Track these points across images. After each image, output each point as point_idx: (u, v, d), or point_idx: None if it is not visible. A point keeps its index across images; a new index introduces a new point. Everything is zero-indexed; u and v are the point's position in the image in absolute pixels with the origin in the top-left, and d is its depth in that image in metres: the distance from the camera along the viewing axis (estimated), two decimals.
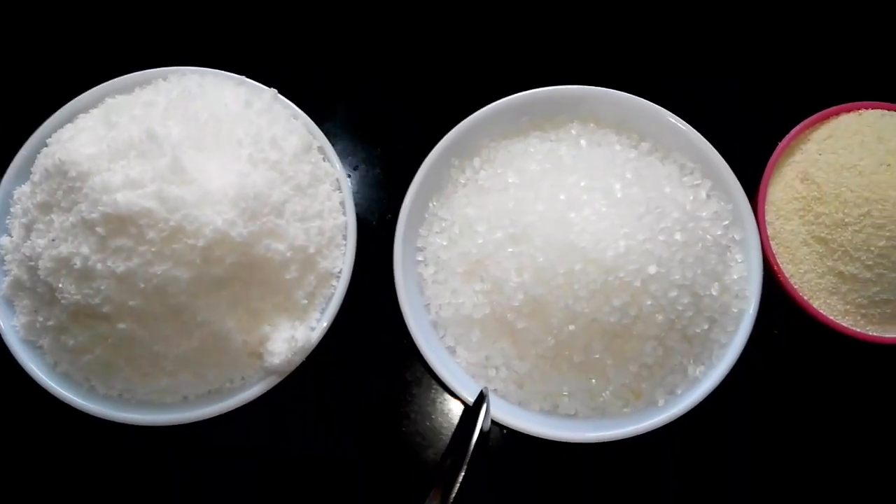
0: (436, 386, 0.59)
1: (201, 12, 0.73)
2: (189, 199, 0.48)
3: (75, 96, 0.59)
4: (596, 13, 0.73)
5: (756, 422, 0.60)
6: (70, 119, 0.58)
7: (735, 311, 0.55)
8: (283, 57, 0.72)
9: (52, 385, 0.54)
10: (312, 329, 0.54)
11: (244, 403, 0.53)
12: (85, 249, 0.48)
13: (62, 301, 0.50)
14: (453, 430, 0.59)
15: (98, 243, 0.48)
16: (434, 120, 0.62)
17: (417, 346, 0.54)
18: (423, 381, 0.59)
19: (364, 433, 0.59)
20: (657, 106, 0.59)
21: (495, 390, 0.56)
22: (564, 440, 0.53)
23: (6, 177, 0.57)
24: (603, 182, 0.54)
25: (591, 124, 0.61)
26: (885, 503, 0.59)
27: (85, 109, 0.58)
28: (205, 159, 0.51)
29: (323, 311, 0.55)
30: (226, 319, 0.51)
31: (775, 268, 0.59)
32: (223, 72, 0.59)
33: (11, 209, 0.57)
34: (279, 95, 0.59)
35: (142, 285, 0.48)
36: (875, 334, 0.59)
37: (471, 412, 0.49)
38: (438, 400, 0.60)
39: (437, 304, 0.57)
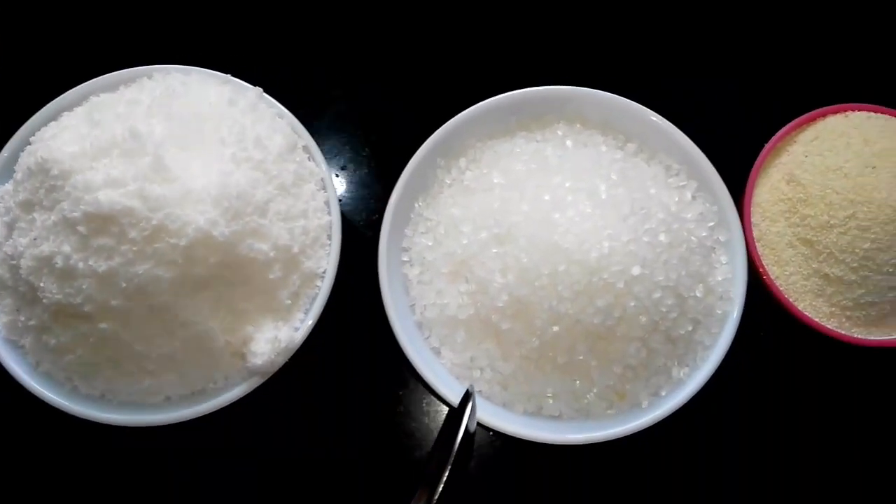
0: (421, 387, 0.59)
1: (192, 10, 0.73)
2: (171, 198, 0.48)
3: (60, 94, 0.59)
4: (584, 15, 0.73)
5: (741, 424, 0.60)
6: (54, 117, 0.57)
7: (719, 312, 0.55)
8: (273, 56, 0.72)
9: (34, 385, 0.53)
10: (296, 329, 0.54)
11: (227, 404, 0.53)
12: (66, 248, 0.48)
13: (44, 300, 0.49)
14: (437, 430, 0.59)
15: (80, 242, 0.47)
16: (422, 119, 0.62)
17: (402, 347, 0.54)
18: (408, 381, 0.59)
19: (349, 434, 0.59)
20: (643, 107, 0.59)
21: (480, 391, 0.55)
22: (549, 442, 0.53)
23: None
24: (588, 183, 0.54)
25: (578, 125, 0.61)
26: None
27: (69, 107, 0.58)
28: (188, 158, 0.51)
29: (307, 312, 0.55)
30: (208, 320, 0.51)
31: (761, 269, 0.59)
32: (208, 70, 0.59)
33: None
34: (264, 94, 0.58)
35: (123, 285, 0.47)
36: (860, 336, 0.59)
37: (456, 412, 0.49)
38: (423, 401, 0.60)
39: (423, 305, 0.57)
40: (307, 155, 0.58)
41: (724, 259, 0.57)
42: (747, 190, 0.61)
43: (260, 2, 0.74)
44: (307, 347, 0.54)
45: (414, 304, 0.58)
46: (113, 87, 0.59)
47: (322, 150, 0.60)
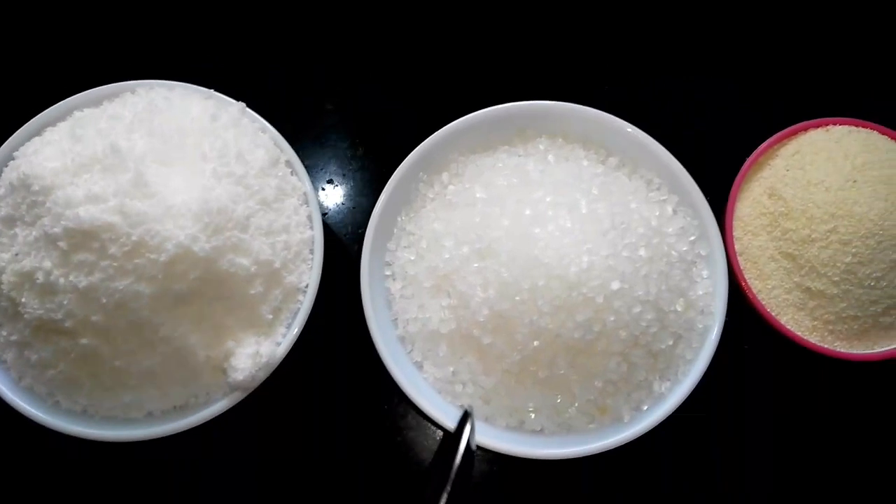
0: (403, 401, 0.59)
1: (177, 25, 0.73)
2: (151, 214, 0.48)
3: (43, 109, 0.59)
4: (566, 31, 0.74)
5: (723, 438, 0.60)
6: (38, 132, 0.57)
7: (700, 326, 0.55)
8: (259, 71, 0.72)
9: (16, 400, 0.53)
10: (278, 344, 0.54)
11: (208, 419, 0.53)
12: (47, 264, 0.48)
13: (25, 316, 0.49)
14: (420, 445, 0.59)
15: (60, 258, 0.48)
16: (408, 134, 0.62)
17: (383, 361, 0.54)
18: (390, 396, 0.59)
19: (331, 449, 0.59)
20: (624, 122, 0.59)
21: (462, 406, 0.55)
22: (530, 457, 0.53)
23: None
24: (569, 197, 0.54)
25: (560, 139, 0.61)
26: None
27: (53, 123, 0.58)
28: (169, 173, 0.51)
29: (289, 326, 0.55)
30: (189, 335, 0.51)
31: (742, 283, 0.59)
32: (191, 85, 0.59)
33: None
34: (247, 109, 0.59)
35: (104, 300, 0.48)
36: (842, 350, 0.59)
37: (454, 433, 0.49)
38: (407, 416, 0.60)
39: (405, 319, 0.57)
40: (290, 170, 0.58)
41: (705, 273, 0.57)
42: (729, 204, 0.61)
43: (246, 17, 0.74)
44: (289, 362, 0.54)
45: (397, 319, 0.58)
46: (96, 103, 0.59)
47: (308, 165, 0.60)
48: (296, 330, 0.54)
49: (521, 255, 0.52)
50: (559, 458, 0.53)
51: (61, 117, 0.58)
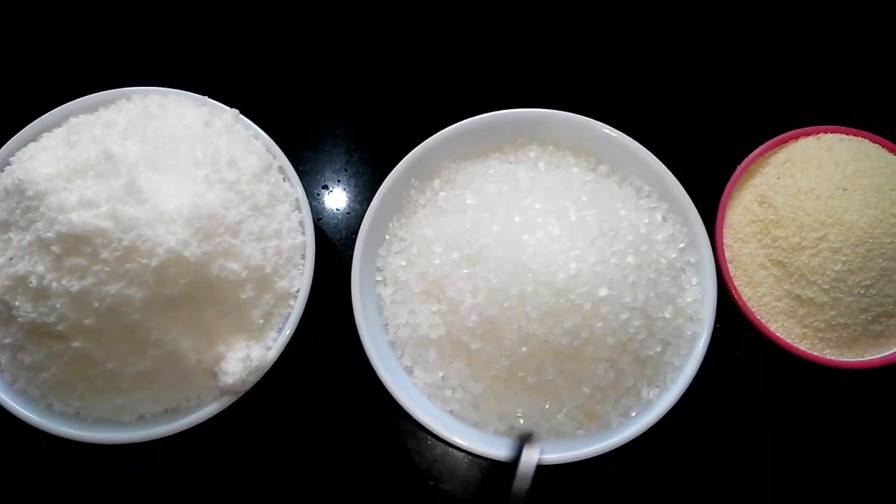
0: (393, 406, 0.59)
1: (174, 32, 0.74)
2: (143, 219, 0.48)
3: (40, 115, 0.60)
4: (558, 40, 0.74)
5: (712, 445, 0.60)
6: (34, 138, 0.58)
7: (689, 333, 0.55)
8: (255, 78, 0.73)
9: (10, 402, 0.54)
10: (268, 349, 0.54)
11: (199, 423, 0.53)
12: (41, 268, 0.48)
13: (19, 319, 0.50)
14: (410, 449, 0.59)
15: (53, 262, 0.48)
16: (402, 140, 0.62)
17: (373, 366, 0.55)
18: (380, 401, 0.59)
19: (320, 453, 0.60)
20: (615, 130, 0.60)
21: (451, 411, 0.56)
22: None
23: None
24: (558, 204, 0.55)
25: (551, 147, 0.61)
26: None
27: (49, 128, 0.58)
28: (161, 179, 0.51)
29: (280, 331, 0.55)
30: (180, 339, 0.51)
31: (732, 291, 0.59)
32: (185, 92, 0.60)
33: None
34: (241, 116, 0.59)
35: (96, 304, 0.48)
36: (832, 358, 0.59)
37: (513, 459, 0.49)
38: (397, 421, 0.60)
39: (396, 325, 0.58)
40: (282, 176, 0.59)
41: (694, 280, 0.57)
42: (720, 211, 0.61)
43: (246, 18, 0.75)
44: (280, 366, 0.55)
45: (387, 324, 0.58)
46: (92, 109, 0.60)
47: (304, 170, 0.61)
48: (286, 334, 0.55)
49: (509, 261, 0.52)
50: (547, 463, 0.53)
51: (57, 123, 0.59)
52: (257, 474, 0.59)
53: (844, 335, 0.59)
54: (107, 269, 0.48)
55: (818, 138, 0.63)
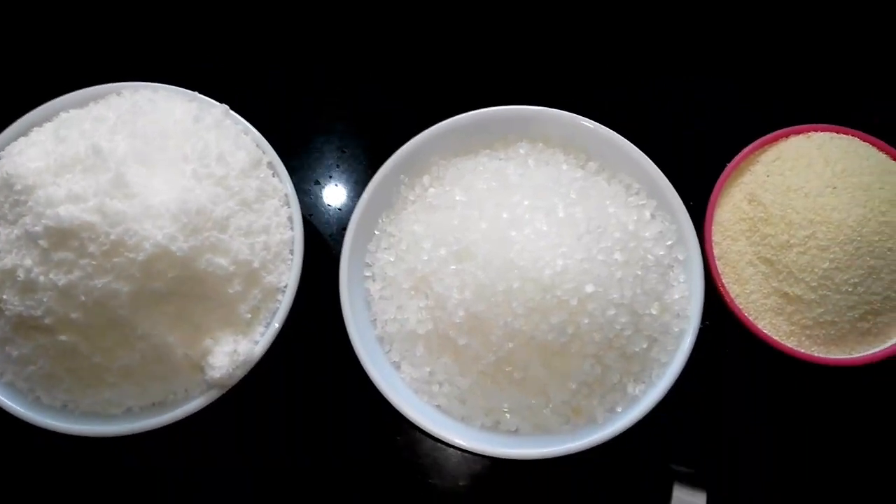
0: (380, 401, 0.59)
1: (169, 27, 0.74)
2: (130, 214, 0.49)
3: (31, 110, 0.60)
4: (550, 37, 0.74)
5: (698, 441, 0.60)
6: (24, 132, 0.58)
7: (676, 330, 0.55)
8: (249, 73, 0.73)
9: None
10: (256, 343, 0.54)
11: (185, 416, 0.53)
12: (28, 262, 0.49)
13: (6, 312, 0.50)
14: (397, 444, 0.59)
15: (41, 256, 0.48)
16: (394, 136, 0.62)
17: (360, 361, 0.55)
18: (368, 396, 0.59)
19: (308, 447, 0.60)
20: (604, 127, 0.60)
21: (438, 406, 0.56)
22: (505, 457, 0.53)
23: None
24: (546, 201, 0.55)
25: (540, 144, 0.61)
26: None
27: (39, 123, 0.59)
28: (149, 174, 0.52)
29: (268, 326, 0.55)
30: (167, 333, 0.51)
31: (721, 288, 0.59)
32: (175, 87, 0.60)
33: None
34: (230, 111, 0.59)
35: (83, 298, 0.48)
36: (820, 355, 0.59)
37: None
38: (384, 415, 0.60)
39: (384, 320, 0.58)
40: (272, 171, 0.59)
41: (681, 277, 0.57)
42: (709, 208, 0.61)
43: (238, 20, 0.75)
44: (268, 361, 0.55)
45: (375, 319, 0.58)
46: (82, 104, 0.60)
47: (295, 167, 0.61)
48: (274, 329, 0.55)
49: (497, 257, 0.52)
50: (533, 458, 0.53)
51: (47, 118, 0.59)
52: (244, 468, 0.60)
53: (832, 332, 0.59)
54: (94, 263, 0.48)
55: (808, 136, 0.63)
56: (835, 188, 0.58)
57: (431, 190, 0.60)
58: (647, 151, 0.60)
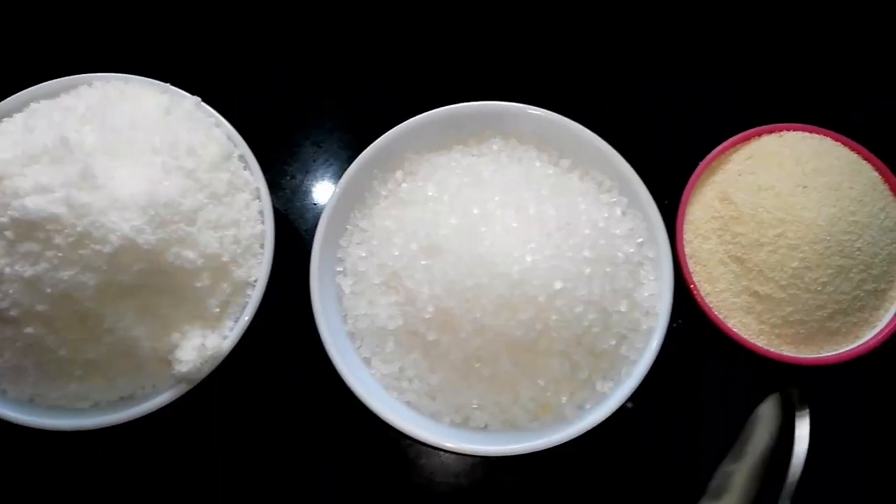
0: (350, 397, 0.59)
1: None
2: (97, 206, 0.48)
3: (1, 101, 0.59)
4: (527, 34, 0.74)
5: (668, 438, 0.61)
6: None
7: (645, 328, 0.56)
8: (226, 67, 0.73)
9: None
10: (225, 338, 0.54)
11: (153, 411, 0.53)
12: None
13: None
14: (365, 439, 0.59)
15: (6, 247, 0.48)
16: (370, 131, 0.62)
17: (330, 356, 0.55)
18: (338, 391, 0.59)
19: (277, 443, 0.60)
20: (577, 124, 0.60)
21: (408, 402, 0.56)
22: (472, 453, 0.53)
23: None
24: (517, 197, 0.55)
25: (514, 140, 0.61)
26: None
27: (9, 114, 0.58)
28: (117, 166, 0.51)
29: (237, 320, 0.55)
30: (134, 326, 0.51)
31: (691, 286, 0.59)
32: (148, 79, 0.60)
33: None
34: (202, 104, 0.59)
35: (49, 290, 0.48)
36: (789, 354, 0.59)
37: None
38: (354, 411, 0.60)
39: (355, 315, 0.58)
40: (243, 164, 0.59)
41: (652, 275, 0.58)
42: (681, 207, 0.61)
43: (216, 15, 0.75)
44: (238, 356, 0.55)
45: (346, 315, 0.58)
46: (54, 95, 0.59)
47: (270, 161, 0.60)
48: (243, 322, 0.55)
49: (467, 253, 0.52)
50: (500, 454, 0.53)
51: (18, 108, 0.58)
52: (213, 463, 0.59)
53: (801, 331, 0.59)
54: (60, 255, 0.48)
55: (781, 136, 0.63)
56: (805, 187, 0.59)
57: (404, 185, 0.60)
58: (624, 149, 0.60)
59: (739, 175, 0.62)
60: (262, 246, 0.57)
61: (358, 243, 0.60)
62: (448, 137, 0.62)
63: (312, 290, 0.56)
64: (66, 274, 0.48)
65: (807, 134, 0.64)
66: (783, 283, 0.58)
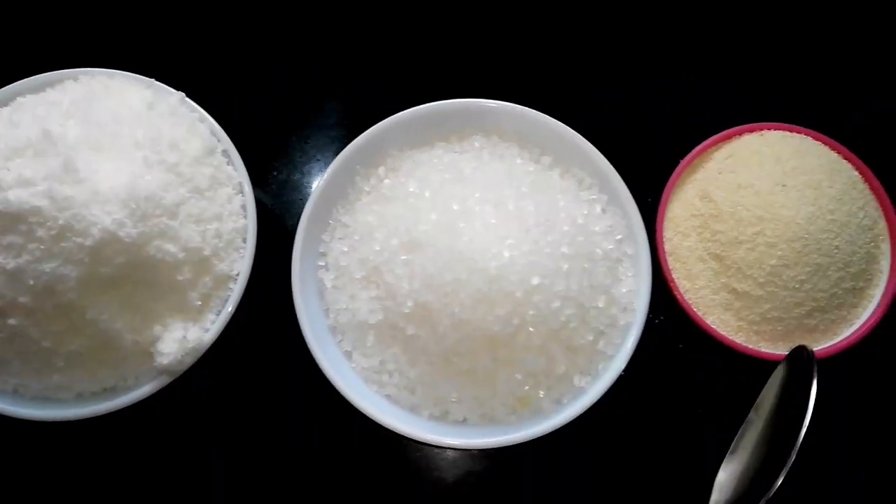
0: (331, 391, 0.60)
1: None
2: (79, 199, 0.49)
3: None
4: (510, 32, 0.75)
5: (646, 434, 0.61)
6: None
7: (622, 323, 0.56)
8: (210, 63, 0.73)
9: None
10: (206, 330, 0.55)
11: (135, 402, 0.53)
12: None
13: None
14: (346, 433, 0.60)
15: None
16: (356, 126, 0.63)
17: (310, 350, 0.55)
18: (319, 385, 0.60)
19: (258, 435, 0.60)
20: (557, 122, 0.60)
21: (388, 396, 0.56)
22: (450, 446, 0.54)
23: None
24: (497, 194, 0.55)
25: (496, 137, 0.62)
26: None
27: None
28: (100, 160, 0.52)
29: (219, 314, 0.56)
30: (116, 318, 0.52)
31: (671, 283, 0.60)
32: (133, 74, 0.60)
33: None
34: (186, 99, 0.60)
35: (31, 282, 0.49)
36: (767, 351, 0.60)
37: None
38: (336, 405, 0.60)
39: (336, 310, 0.58)
40: (227, 159, 0.59)
41: (630, 272, 0.58)
42: (661, 204, 0.62)
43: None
44: (219, 349, 0.55)
45: (328, 309, 0.59)
46: (39, 89, 0.60)
47: (257, 156, 0.61)
48: (225, 316, 0.55)
49: (446, 248, 0.53)
50: (478, 447, 0.53)
51: (4, 102, 0.59)
52: (194, 454, 0.60)
53: (779, 328, 0.60)
54: (42, 247, 0.48)
55: (761, 135, 0.64)
56: (784, 186, 0.59)
57: (387, 181, 0.61)
58: (608, 147, 0.60)
59: (720, 173, 0.62)
60: (244, 240, 0.58)
61: (340, 238, 0.60)
62: (431, 134, 0.62)
63: (294, 285, 0.57)
64: (48, 266, 0.48)
65: (787, 133, 0.64)
66: (761, 280, 0.58)
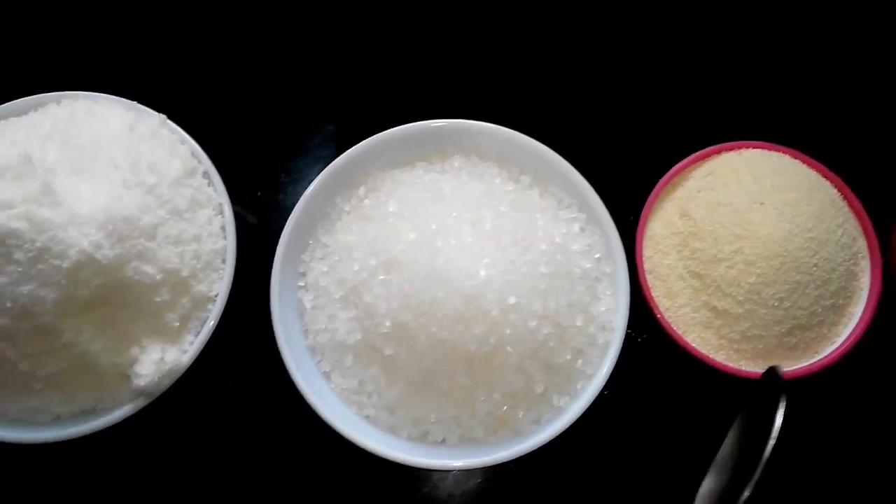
0: (310, 412, 0.59)
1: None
2: (57, 222, 0.49)
3: None
4: (489, 53, 0.75)
5: (627, 453, 0.61)
6: None
7: (601, 342, 0.56)
8: (192, 84, 0.74)
9: None
10: (184, 352, 0.55)
11: (112, 424, 0.53)
12: None
13: None
14: (324, 454, 0.59)
15: None
16: (338, 146, 0.63)
17: (288, 370, 0.55)
18: (298, 406, 0.60)
19: (237, 457, 0.60)
20: (537, 142, 0.61)
21: (367, 416, 0.56)
22: (429, 467, 0.54)
23: None
24: (475, 213, 0.55)
25: (475, 157, 0.62)
26: None
27: None
28: (79, 182, 0.52)
29: (197, 335, 0.56)
30: (93, 340, 0.52)
31: (650, 301, 0.60)
32: (115, 97, 0.61)
33: None
34: (168, 121, 0.60)
35: (9, 304, 0.49)
36: (748, 369, 0.60)
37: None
38: (315, 426, 0.60)
39: (315, 330, 0.58)
40: (207, 181, 0.60)
41: (609, 290, 0.58)
42: (640, 223, 0.62)
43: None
44: (198, 371, 0.55)
45: (307, 329, 0.59)
46: (22, 112, 0.60)
47: (239, 177, 0.61)
48: (202, 338, 0.55)
49: (423, 267, 0.53)
50: (456, 468, 0.53)
51: None
52: (172, 477, 0.60)
53: (759, 347, 0.60)
54: (20, 269, 0.48)
55: (740, 153, 0.64)
56: (762, 204, 0.60)
57: (367, 201, 0.61)
58: (589, 166, 0.60)
59: (699, 191, 0.63)
60: (223, 261, 0.58)
61: (320, 258, 0.60)
62: (412, 154, 0.63)
63: (273, 305, 0.57)
64: (25, 288, 0.48)
65: (766, 151, 0.64)
66: (740, 298, 0.59)
